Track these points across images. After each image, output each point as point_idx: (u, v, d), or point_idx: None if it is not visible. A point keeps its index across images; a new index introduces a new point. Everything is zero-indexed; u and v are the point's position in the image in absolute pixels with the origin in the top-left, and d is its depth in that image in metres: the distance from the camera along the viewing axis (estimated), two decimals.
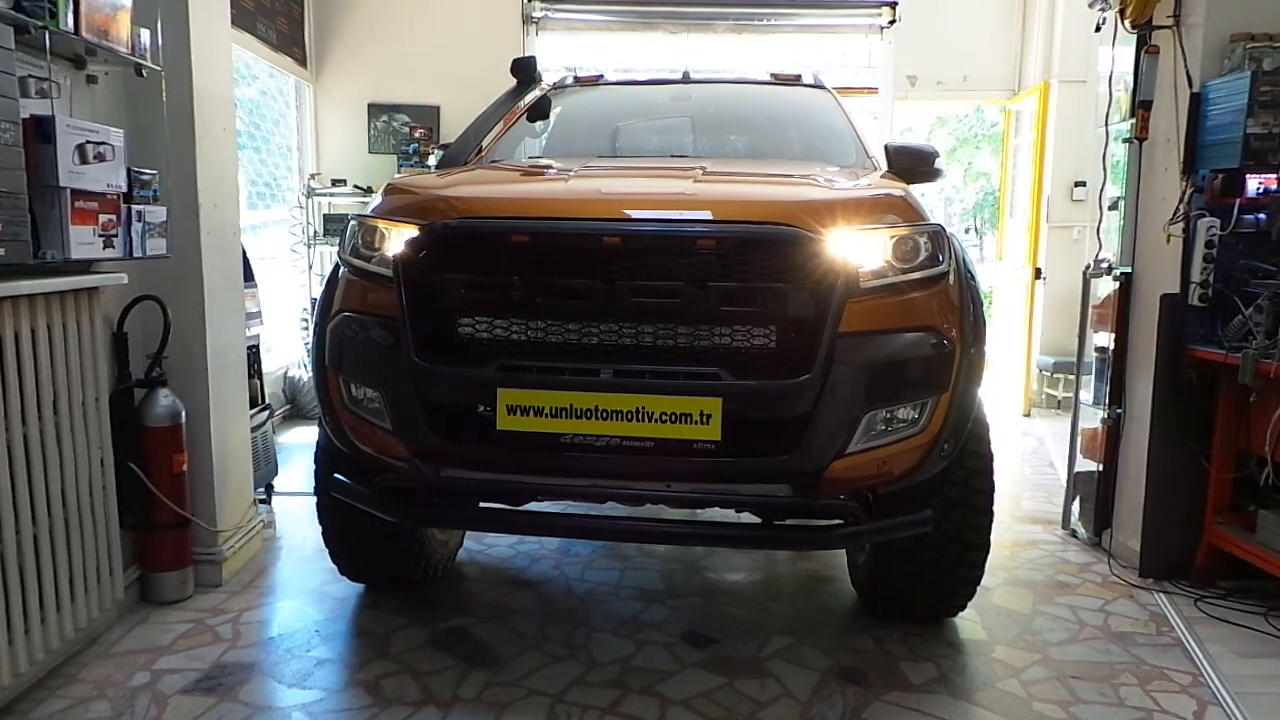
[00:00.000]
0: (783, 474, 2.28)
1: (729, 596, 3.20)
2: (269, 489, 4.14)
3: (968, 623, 3.02)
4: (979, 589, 2.85)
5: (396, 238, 2.40)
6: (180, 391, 3.09)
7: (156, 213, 2.79)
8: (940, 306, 2.40)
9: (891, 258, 2.34)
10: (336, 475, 2.61)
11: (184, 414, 3.05)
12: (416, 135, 6.75)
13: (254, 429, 3.69)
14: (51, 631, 2.50)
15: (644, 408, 2.23)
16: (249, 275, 3.73)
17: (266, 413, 4.04)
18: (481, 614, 3.03)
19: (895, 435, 2.37)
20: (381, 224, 2.48)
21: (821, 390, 2.21)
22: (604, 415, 2.24)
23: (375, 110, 6.79)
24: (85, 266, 2.52)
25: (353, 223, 2.59)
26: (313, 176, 6.53)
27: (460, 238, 2.32)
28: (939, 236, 2.42)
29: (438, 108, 6.76)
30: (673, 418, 2.22)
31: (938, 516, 2.58)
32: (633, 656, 2.75)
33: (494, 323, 2.32)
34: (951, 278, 2.47)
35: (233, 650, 2.75)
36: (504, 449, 2.29)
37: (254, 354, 3.90)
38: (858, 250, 2.28)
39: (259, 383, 3.96)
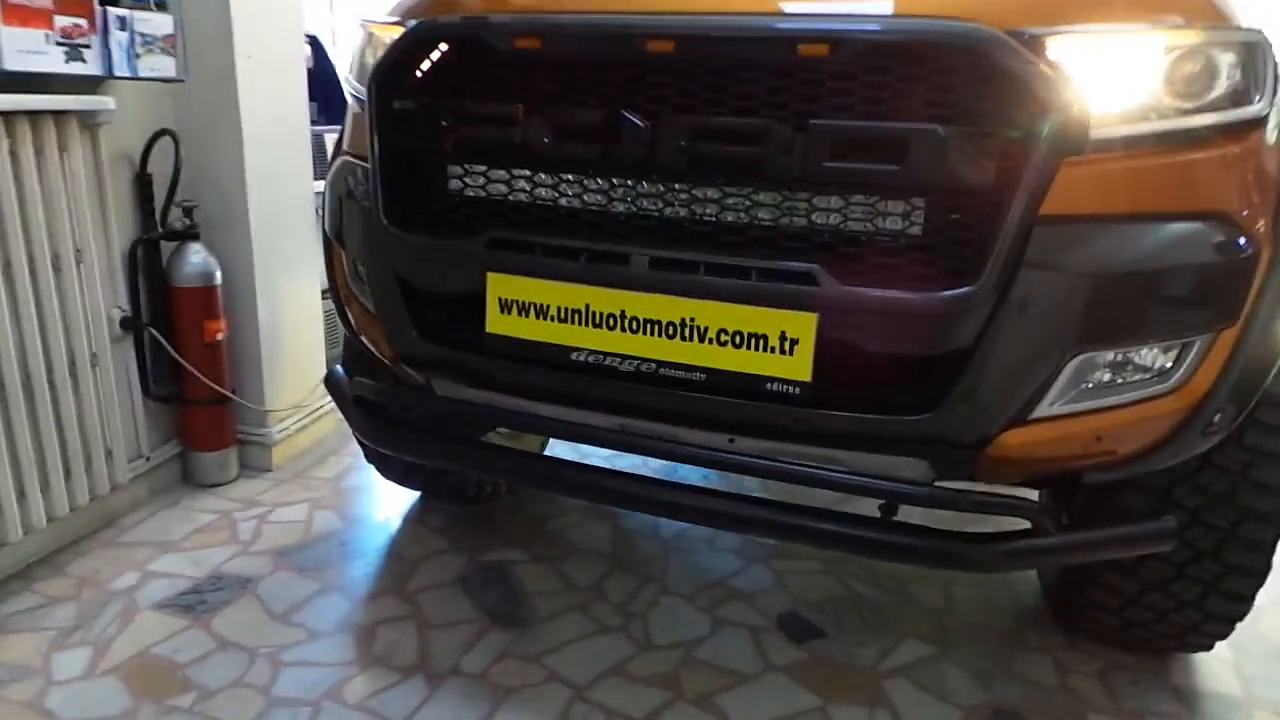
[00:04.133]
0: (917, 442, 1.41)
1: (863, 567, 2.39)
2: None
3: (1215, 663, 2.03)
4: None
5: (379, 47, 1.69)
6: (220, 249, 2.63)
7: (155, 21, 2.23)
8: (1241, 179, 1.37)
9: (1160, 87, 1.31)
10: (338, 368, 2.03)
11: (219, 274, 2.59)
12: None
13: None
14: (56, 501, 2.18)
15: (693, 319, 1.42)
16: (327, 108, 3.17)
17: None
18: (537, 549, 2.43)
19: (1127, 393, 1.42)
20: (375, 29, 1.76)
21: (996, 311, 1.30)
22: (634, 326, 1.46)
23: None
24: (41, 85, 2.02)
25: (361, 28, 1.90)
26: None
27: (445, 43, 1.55)
28: (1256, 54, 1.35)
29: None
30: (737, 340, 1.40)
31: (1183, 525, 1.61)
32: (702, 641, 2.05)
33: (488, 175, 1.57)
34: (1272, 131, 1.41)
35: (240, 557, 2.34)
36: (496, 362, 1.58)
37: None
38: (1093, 71, 1.29)
39: None
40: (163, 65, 2.27)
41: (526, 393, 1.60)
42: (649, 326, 1.44)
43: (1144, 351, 1.41)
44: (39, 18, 1.92)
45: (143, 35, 2.19)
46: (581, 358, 1.50)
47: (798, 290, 1.34)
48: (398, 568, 2.32)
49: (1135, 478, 1.55)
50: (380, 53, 1.60)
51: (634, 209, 1.45)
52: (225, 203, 2.64)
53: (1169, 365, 1.41)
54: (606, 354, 1.48)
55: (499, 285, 1.54)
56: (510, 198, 1.54)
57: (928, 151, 1.26)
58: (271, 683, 1.86)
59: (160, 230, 2.53)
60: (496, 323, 1.55)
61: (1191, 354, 1.41)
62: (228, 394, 2.67)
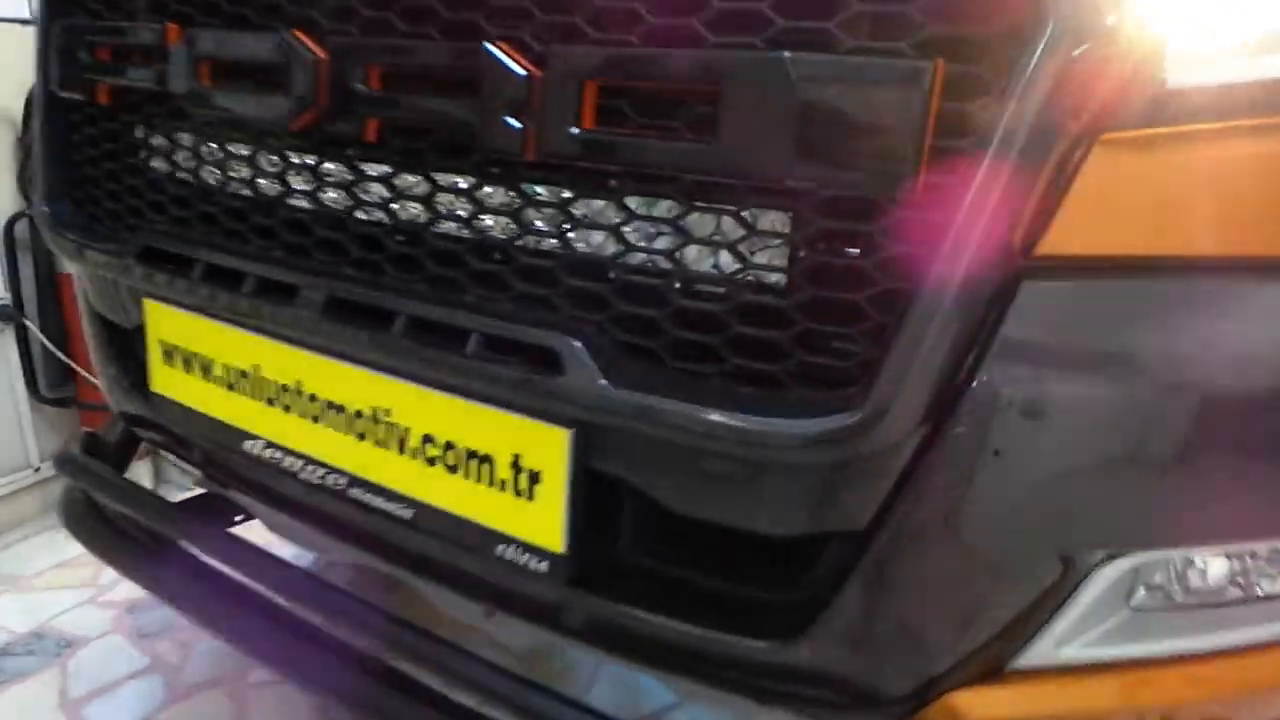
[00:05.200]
0: (777, 684, 0.72)
1: None
2: None
3: None
4: None
5: None
6: None
7: None
8: None
9: None
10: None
11: None
12: None
13: None
14: None
15: (388, 413, 0.79)
16: None
17: None
18: None
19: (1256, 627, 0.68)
20: None
21: (929, 457, 0.61)
22: (313, 410, 0.85)
23: None
24: None
25: None
26: None
27: None
28: None
29: None
30: (450, 459, 0.76)
31: None
32: None
33: (148, 143, 0.99)
34: None
35: (84, 607, 1.91)
36: (162, 437, 1.01)
37: None
38: None
39: None
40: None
41: (215, 483, 1.03)
42: (331, 414, 0.83)
43: None
44: None
45: None
46: (257, 451, 0.90)
47: (532, 382, 0.68)
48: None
49: None
50: None
51: (312, 206, 0.83)
52: None
53: None
54: (285, 451, 0.88)
55: (159, 321, 0.96)
56: (174, 180, 0.95)
57: (781, 105, 0.57)
58: None
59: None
60: (161, 379, 0.98)
61: None
62: None
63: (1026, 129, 0.53)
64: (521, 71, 0.64)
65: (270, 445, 0.89)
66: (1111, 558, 0.63)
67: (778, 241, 0.62)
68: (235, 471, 0.97)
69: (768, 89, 0.56)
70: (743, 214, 0.61)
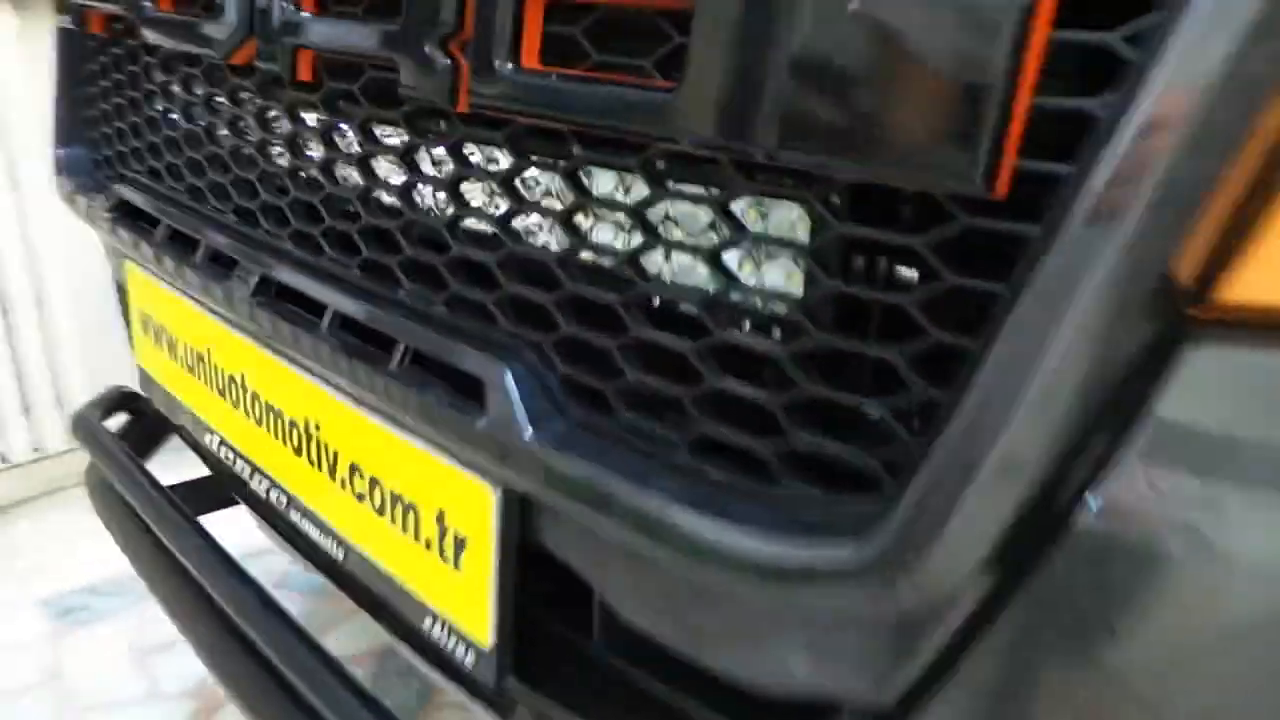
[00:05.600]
0: None
1: None
2: None
3: None
4: None
5: None
6: None
7: None
8: None
9: None
10: None
11: None
12: None
13: None
14: None
15: (317, 428, 0.63)
16: None
17: None
18: None
19: None
20: None
21: (995, 620, 0.37)
22: (255, 410, 0.70)
23: None
24: None
25: None
26: None
27: None
28: None
29: None
30: (377, 499, 0.59)
31: None
32: None
33: (124, 84, 0.85)
34: None
35: None
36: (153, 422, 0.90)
37: None
38: None
39: None
40: None
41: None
42: (270, 418, 0.68)
43: None
44: None
45: None
46: (214, 447, 0.77)
47: (451, 419, 0.49)
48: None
49: None
50: None
51: (258, 163, 0.67)
52: None
53: None
54: (234, 452, 0.74)
55: (136, 286, 0.84)
56: (149, 127, 0.81)
57: (774, 31, 0.35)
58: None
59: None
60: (141, 351, 0.87)
61: None
62: None
63: (1216, 78, 0.28)
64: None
65: (223, 443, 0.75)
66: None
67: (783, 255, 0.40)
68: (208, 463, 0.85)
69: None
70: (730, 207, 0.39)
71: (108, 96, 0.85)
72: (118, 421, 1.01)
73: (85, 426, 0.97)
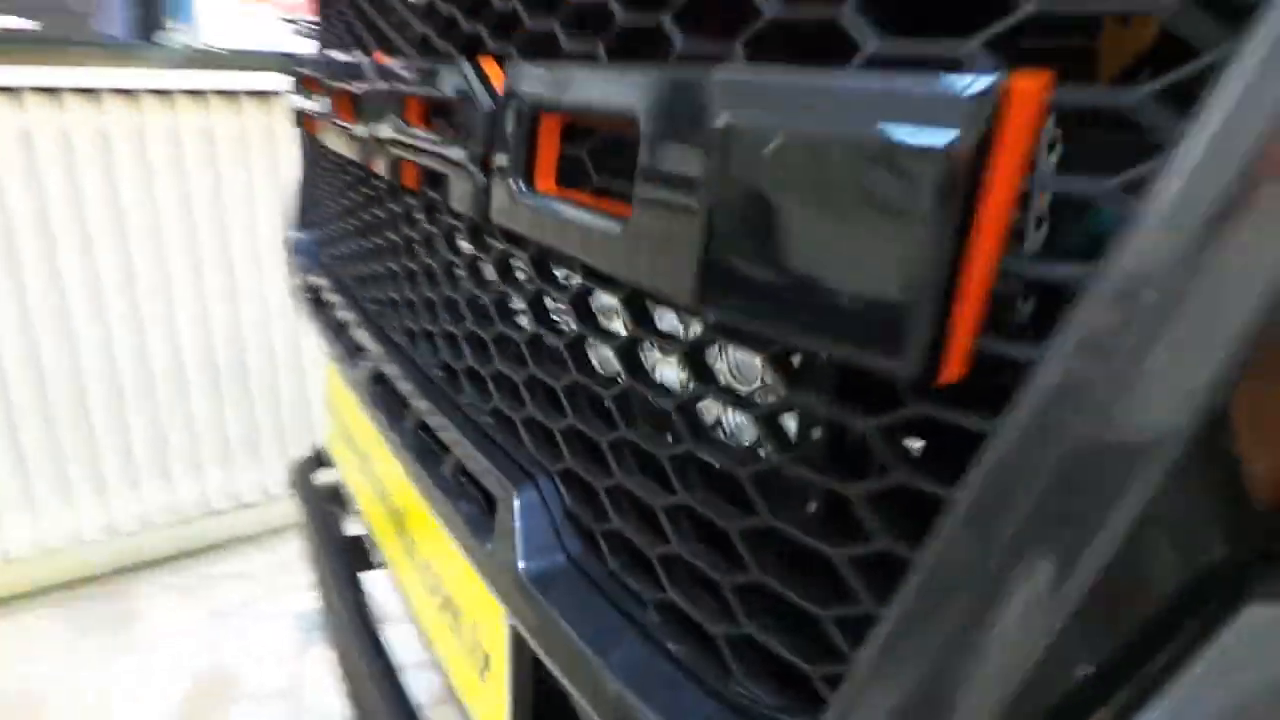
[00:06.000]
0: None
1: None
2: None
3: None
4: None
5: None
6: None
7: None
8: None
9: None
10: None
11: None
12: None
13: None
14: None
15: (408, 520, 0.65)
16: None
17: None
18: None
19: None
20: None
21: None
22: (377, 484, 0.74)
23: None
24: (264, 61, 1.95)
25: None
26: None
27: None
28: None
29: None
30: (436, 598, 0.60)
31: None
32: None
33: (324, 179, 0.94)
34: None
35: None
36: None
37: None
38: None
39: None
40: None
41: None
42: (383, 498, 0.71)
43: None
44: None
45: None
46: (369, 532, 0.83)
47: (472, 538, 0.48)
48: None
49: None
50: None
51: (389, 267, 0.71)
52: None
53: None
54: (370, 523, 0.79)
55: (329, 366, 0.93)
56: (336, 217, 0.90)
57: (696, 170, 0.30)
58: None
59: None
60: (329, 429, 0.96)
61: None
62: None
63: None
64: (487, 101, 0.45)
65: (361, 511, 0.81)
66: None
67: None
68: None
69: (683, 129, 0.30)
70: (700, 355, 0.35)
71: (318, 190, 0.96)
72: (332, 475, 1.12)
73: (297, 475, 1.09)
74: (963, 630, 0.24)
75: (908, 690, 0.26)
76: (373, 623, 0.77)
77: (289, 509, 2.12)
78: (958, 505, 0.25)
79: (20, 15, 1.48)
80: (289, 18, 1.87)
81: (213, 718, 1.54)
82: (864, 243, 0.25)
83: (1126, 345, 0.22)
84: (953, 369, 0.25)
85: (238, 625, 1.79)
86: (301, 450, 1.25)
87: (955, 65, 0.25)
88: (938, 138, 0.23)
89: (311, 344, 1.93)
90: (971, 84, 0.23)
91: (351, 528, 0.95)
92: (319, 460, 1.13)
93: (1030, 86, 0.23)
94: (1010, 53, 0.24)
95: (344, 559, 0.85)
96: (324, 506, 0.97)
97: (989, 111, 0.22)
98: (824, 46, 0.28)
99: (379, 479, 0.72)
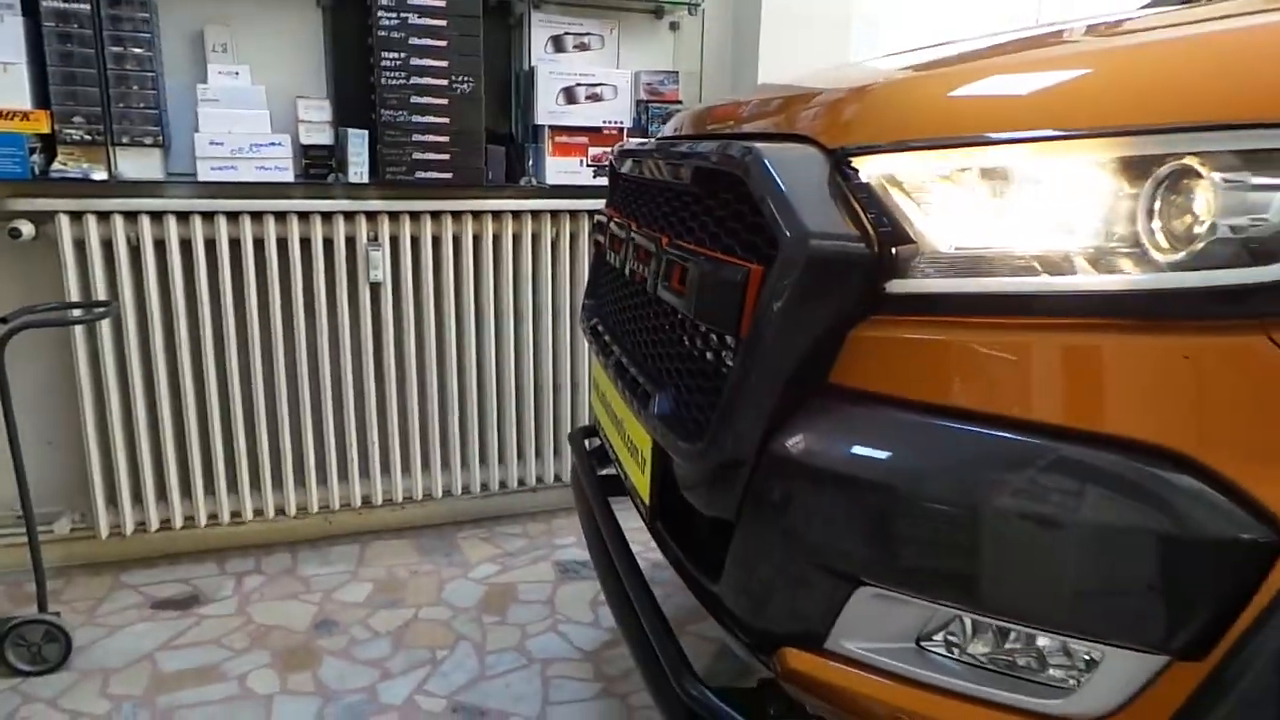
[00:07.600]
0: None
1: None
2: None
3: None
4: None
5: None
6: None
7: None
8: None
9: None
10: None
11: None
12: None
13: None
14: None
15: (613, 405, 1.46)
16: None
17: None
18: None
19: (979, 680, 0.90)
20: None
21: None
22: (611, 414, 1.55)
23: None
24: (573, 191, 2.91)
25: None
26: None
27: None
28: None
29: None
30: (629, 447, 1.40)
31: None
32: None
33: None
34: None
35: None
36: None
37: None
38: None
39: None
40: None
41: None
42: (616, 419, 1.52)
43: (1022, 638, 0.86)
44: (577, 149, 2.85)
45: None
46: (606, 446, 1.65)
47: (641, 413, 1.25)
48: None
49: None
50: None
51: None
52: None
53: (1068, 676, 0.82)
54: (610, 446, 1.59)
55: (596, 365, 1.78)
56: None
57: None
58: None
59: None
60: (592, 400, 1.79)
61: (1115, 678, 0.79)
62: None
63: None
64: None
65: (606, 441, 1.62)
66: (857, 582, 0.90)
67: None
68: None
69: None
70: None
71: (599, 274, 1.83)
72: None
73: (576, 436, 1.92)
74: None
75: None
76: (621, 528, 1.55)
77: (553, 497, 3.01)
78: None
79: (444, 171, 2.56)
80: (591, 164, 2.85)
81: (499, 606, 2.40)
82: None
83: None
84: None
85: (518, 562, 2.68)
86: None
87: None
88: None
89: (582, 369, 2.88)
90: None
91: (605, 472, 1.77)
92: (588, 430, 1.97)
93: None
94: None
95: (601, 486, 1.66)
96: (590, 457, 1.79)
97: None
98: None
99: (608, 402, 1.52)
